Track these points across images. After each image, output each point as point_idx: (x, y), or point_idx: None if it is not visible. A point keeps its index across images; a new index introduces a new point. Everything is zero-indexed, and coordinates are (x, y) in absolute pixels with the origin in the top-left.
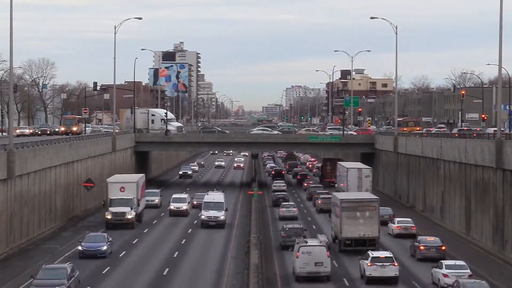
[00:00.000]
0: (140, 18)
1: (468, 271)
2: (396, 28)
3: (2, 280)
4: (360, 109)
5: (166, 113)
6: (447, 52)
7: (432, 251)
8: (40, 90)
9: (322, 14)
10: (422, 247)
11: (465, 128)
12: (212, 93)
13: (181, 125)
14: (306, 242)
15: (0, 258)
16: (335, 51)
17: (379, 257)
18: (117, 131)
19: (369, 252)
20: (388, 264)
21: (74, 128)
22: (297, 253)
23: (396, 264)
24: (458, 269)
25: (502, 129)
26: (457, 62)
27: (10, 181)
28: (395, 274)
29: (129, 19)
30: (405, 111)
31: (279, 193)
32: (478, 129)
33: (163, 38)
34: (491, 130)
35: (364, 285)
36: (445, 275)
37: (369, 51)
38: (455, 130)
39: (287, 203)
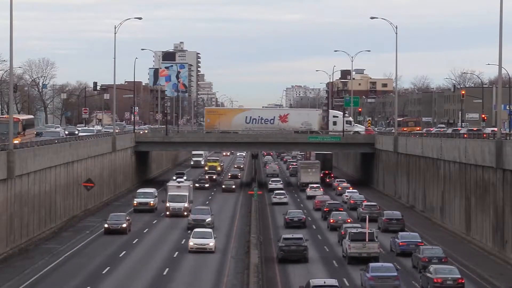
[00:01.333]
0: (140, 18)
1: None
2: (396, 28)
3: (2, 280)
4: (360, 109)
5: (166, 113)
6: (447, 52)
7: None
8: (40, 90)
9: (323, 14)
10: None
11: (459, 128)
12: (212, 93)
13: (364, 126)
14: (270, 163)
15: (0, 258)
16: (335, 51)
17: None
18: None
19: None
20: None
21: (16, 141)
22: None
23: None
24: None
25: (502, 129)
26: (457, 62)
27: (10, 181)
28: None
29: (129, 19)
30: (405, 111)
31: (267, 159)
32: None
33: (163, 38)
34: (489, 130)
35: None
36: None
37: (369, 51)
38: (449, 130)
39: (272, 162)
